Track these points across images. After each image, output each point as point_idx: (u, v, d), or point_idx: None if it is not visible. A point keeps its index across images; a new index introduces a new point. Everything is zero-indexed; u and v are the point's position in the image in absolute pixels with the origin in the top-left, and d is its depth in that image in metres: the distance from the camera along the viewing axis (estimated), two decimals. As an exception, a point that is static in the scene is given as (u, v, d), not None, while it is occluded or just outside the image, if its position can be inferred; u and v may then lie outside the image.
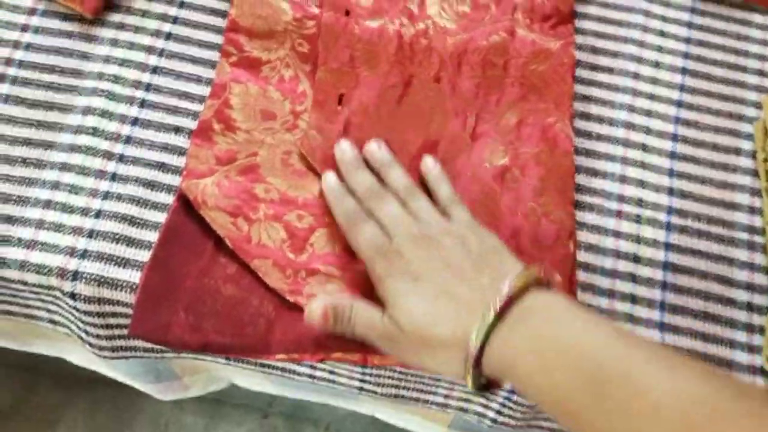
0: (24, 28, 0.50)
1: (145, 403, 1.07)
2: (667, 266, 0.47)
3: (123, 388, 0.65)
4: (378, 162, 0.46)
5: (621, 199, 0.48)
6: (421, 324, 0.38)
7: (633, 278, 0.47)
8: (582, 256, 0.47)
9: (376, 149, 0.46)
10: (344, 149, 0.46)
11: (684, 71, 0.52)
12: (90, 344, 0.48)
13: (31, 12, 0.51)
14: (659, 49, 0.53)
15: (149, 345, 0.47)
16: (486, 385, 0.39)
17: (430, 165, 0.46)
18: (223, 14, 0.52)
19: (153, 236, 0.45)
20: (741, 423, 0.30)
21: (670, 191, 0.49)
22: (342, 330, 0.41)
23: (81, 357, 0.61)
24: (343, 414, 1.05)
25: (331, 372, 0.49)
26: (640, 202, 0.48)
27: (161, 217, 0.46)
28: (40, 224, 0.45)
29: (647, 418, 0.31)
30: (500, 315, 0.36)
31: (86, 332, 0.47)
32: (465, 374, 0.37)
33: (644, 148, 0.50)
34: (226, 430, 1.05)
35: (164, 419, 1.07)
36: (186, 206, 0.45)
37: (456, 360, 0.37)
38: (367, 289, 0.44)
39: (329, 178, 0.45)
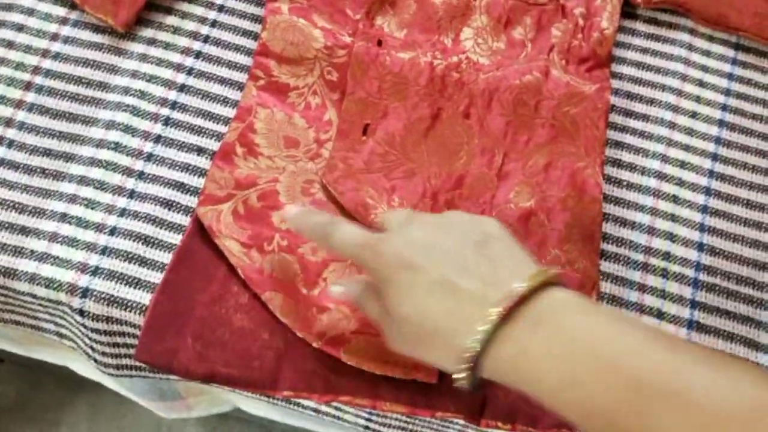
0: (54, 38, 0.50)
1: (146, 410, 1.06)
2: (692, 324, 0.45)
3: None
4: None
5: (648, 251, 0.47)
6: (414, 317, 0.34)
7: (656, 335, 0.45)
8: (604, 309, 0.45)
9: None
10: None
11: (721, 124, 0.51)
12: (95, 360, 0.47)
13: (63, 21, 0.51)
14: (697, 99, 0.51)
15: (155, 367, 0.46)
16: (478, 385, 0.35)
17: None
18: (254, 36, 0.51)
19: (166, 257, 0.44)
20: None
21: (700, 247, 0.47)
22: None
23: (85, 367, 0.60)
24: (346, 439, 1.03)
25: (338, 408, 0.47)
26: (667, 256, 0.47)
27: (176, 239, 0.45)
28: (53, 237, 0.44)
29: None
30: (507, 315, 0.32)
31: (92, 348, 0.46)
32: (458, 373, 0.33)
33: (675, 200, 0.48)
34: (227, 442, 1.03)
35: (166, 427, 1.06)
36: (201, 230, 0.44)
37: (451, 356, 0.33)
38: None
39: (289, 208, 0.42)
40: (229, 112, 0.49)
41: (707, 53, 0.53)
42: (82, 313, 0.43)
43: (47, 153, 0.47)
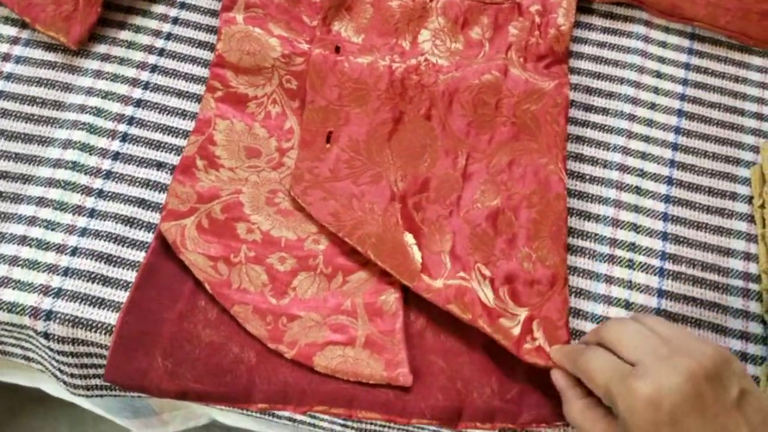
0: (5, 58, 0.49)
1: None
2: (659, 313, 0.46)
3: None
4: None
5: (613, 243, 0.47)
6: None
7: (625, 326, 0.45)
8: (572, 302, 0.45)
9: None
10: None
11: (680, 113, 0.51)
12: (64, 382, 0.47)
13: (14, 41, 0.50)
14: (655, 90, 0.52)
15: (124, 387, 0.46)
16: None
17: None
18: (210, 47, 0.51)
19: (130, 275, 0.44)
20: None
21: (664, 236, 0.48)
22: None
23: (58, 388, 0.59)
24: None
25: (313, 416, 0.47)
26: (632, 247, 0.47)
27: (139, 256, 0.44)
28: (14, 261, 0.44)
29: None
30: None
31: (60, 371, 0.46)
32: None
33: (638, 191, 0.49)
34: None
35: (148, 443, 1.05)
36: (165, 246, 0.44)
37: None
38: (349, 334, 0.42)
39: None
40: (188, 125, 0.48)
41: (663, 44, 0.53)
42: (47, 336, 0.42)
43: (4, 176, 0.46)
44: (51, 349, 0.44)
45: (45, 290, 0.43)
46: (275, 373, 0.42)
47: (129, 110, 0.48)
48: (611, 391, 0.35)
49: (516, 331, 0.42)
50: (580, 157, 0.49)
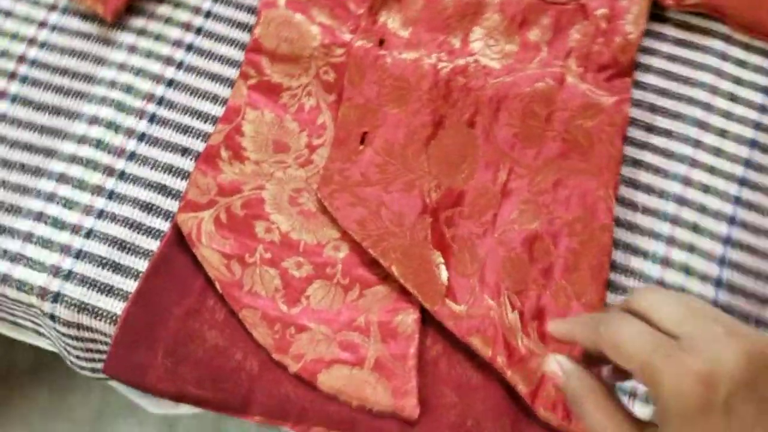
0: (42, 25, 0.48)
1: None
2: (703, 365, 0.41)
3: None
4: None
5: (661, 285, 0.43)
6: None
7: (662, 375, 0.41)
8: (607, 343, 0.42)
9: None
10: None
11: (753, 144, 0.46)
12: (71, 362, 0.46)
13: (52, 8, 0.48)
14: (727, 115, 0.47)
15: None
16: None
17: None
18: (251, 29, 0.48)
19: (142, 264, 0.42)
20: None
21: (718, 283, 0.43)
22: None
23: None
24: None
25: (318, 428, 0.45)
26: (682, 291, 0.43)
27: (153, 245, 0.43)
28: (28, 237, 0.43)
29: None
30: None
31: (67, 351, 0.45)
32: None
33: (695, 228, 0.44)
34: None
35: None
36: (179, 238, 0.42)
37: None
38: (359, 353, 0.40)
39: None
40: (218, 110, 0.46)
41: (742, 63, 0.48)
42: (53, 317, 0.42)
43: (28, 147, 0.45)
44: (57, 330, 0.43)
45: (55, 271, 0.42)
46: (276, 386, 0.40)
47: (160, 90, 0.46)
48: (653, 366, 0.27)
49: (539, 373, 0.39)
50: (634, 184, 0.45)
